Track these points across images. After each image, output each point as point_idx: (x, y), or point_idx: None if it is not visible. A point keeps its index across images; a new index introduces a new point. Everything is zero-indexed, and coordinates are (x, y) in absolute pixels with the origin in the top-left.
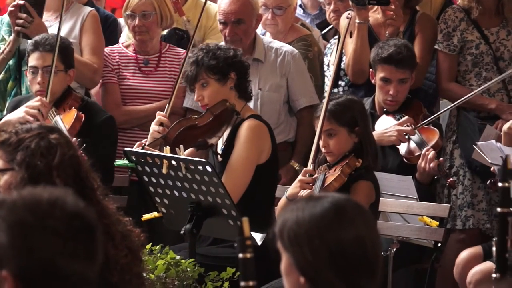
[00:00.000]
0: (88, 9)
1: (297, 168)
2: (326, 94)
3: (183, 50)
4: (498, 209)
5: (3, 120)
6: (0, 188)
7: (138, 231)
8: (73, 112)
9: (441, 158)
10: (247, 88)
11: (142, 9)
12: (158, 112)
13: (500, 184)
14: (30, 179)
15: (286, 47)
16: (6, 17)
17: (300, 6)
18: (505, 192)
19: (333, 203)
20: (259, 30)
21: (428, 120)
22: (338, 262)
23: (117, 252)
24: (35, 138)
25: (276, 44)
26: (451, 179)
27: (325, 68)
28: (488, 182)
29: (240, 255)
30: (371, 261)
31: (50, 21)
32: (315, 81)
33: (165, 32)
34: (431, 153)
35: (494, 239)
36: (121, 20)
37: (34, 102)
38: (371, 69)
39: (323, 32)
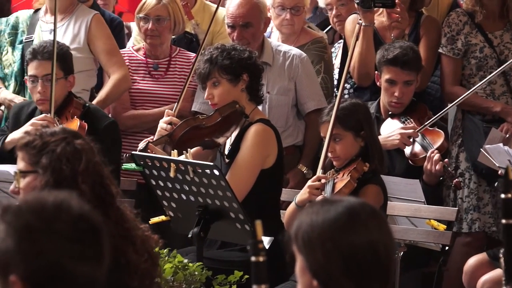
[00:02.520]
0: (92, 13)
1: (305, 171)
2: (336, 99)
3: (193, 54)
4: (503, 221)
5: (8, 139)
6: (21, 190)
7: (156, 237)
8: (76, 122)
9: (446, 159)
10: (259, 91)
11: (157, 13)
12: (167, 111)
13: (503, 196)
14: (54, 184)
15: (294, 51)
16: (11, 18)
17: None
18: (509, 203)
19: (347, 207)
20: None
21: (432, 121)
22: (351, 266)
23: (138, 257)
24: (60, 143)
25: (284, 47)
26: (456, 180)
27: None
28: (496, 184)
29: (253, 258)
30: (384, 266)
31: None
32: (330, 83)
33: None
34: (436, 155)
35: (501, 250)
36: (128, 24)
37: (40, 120)
38: (376, 71)
39: (325, 30)
